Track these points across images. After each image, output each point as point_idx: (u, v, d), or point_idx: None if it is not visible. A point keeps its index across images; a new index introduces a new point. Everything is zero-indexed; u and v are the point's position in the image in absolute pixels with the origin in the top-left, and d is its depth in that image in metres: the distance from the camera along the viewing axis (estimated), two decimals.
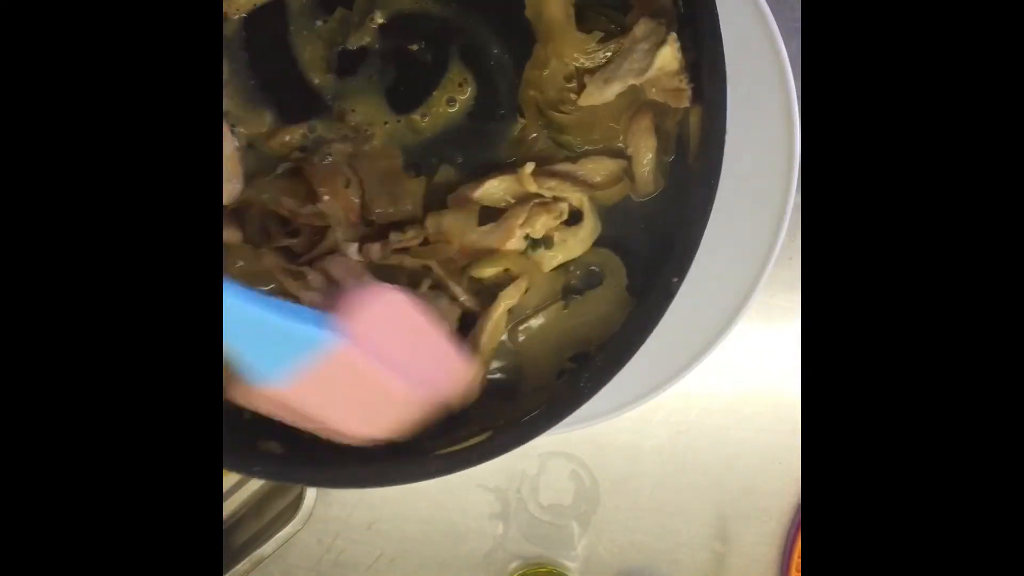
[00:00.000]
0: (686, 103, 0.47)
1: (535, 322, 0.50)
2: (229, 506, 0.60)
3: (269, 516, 0.61)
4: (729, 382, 0.62)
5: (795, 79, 0.52)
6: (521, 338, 0.50)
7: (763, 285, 0.53)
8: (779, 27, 0.51)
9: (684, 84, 0.47)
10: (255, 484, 0.61)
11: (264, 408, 0.39)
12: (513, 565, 0.63)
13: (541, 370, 0.50)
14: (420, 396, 0.42)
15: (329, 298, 0.42)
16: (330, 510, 0.62)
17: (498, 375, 0.50)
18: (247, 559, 0.58)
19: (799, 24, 0.56)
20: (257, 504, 0.61)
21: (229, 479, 0.60)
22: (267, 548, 0.58)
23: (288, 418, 0.40)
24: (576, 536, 0.63)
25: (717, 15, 0.44)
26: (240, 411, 0.49)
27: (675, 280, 0.44)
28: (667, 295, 0.44)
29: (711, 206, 0.44)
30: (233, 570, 0.58)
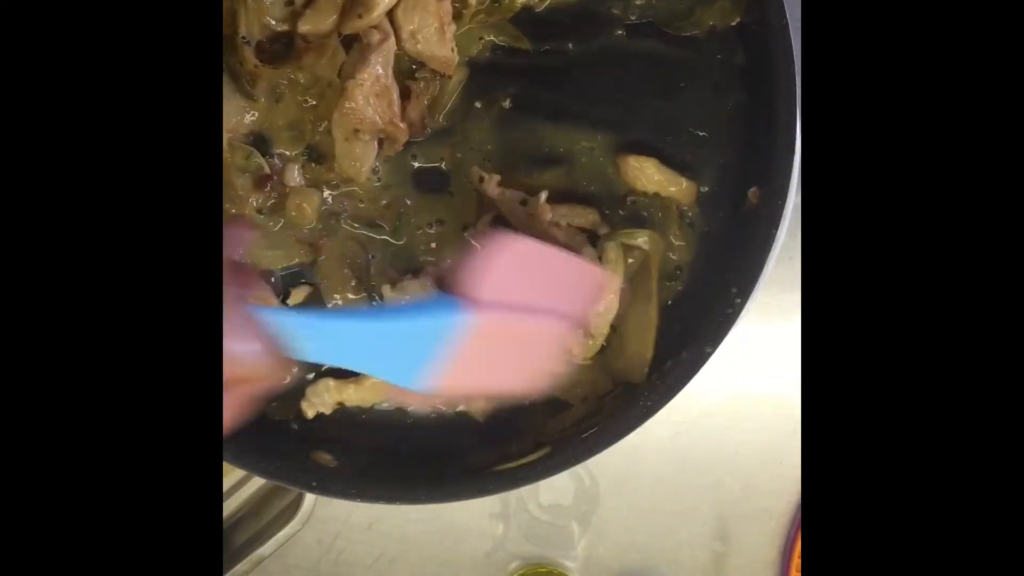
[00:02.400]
0: None
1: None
2: (229, 506, 0.60)
3: (269, 516, 0.61)
4: (729, 382, 0.62)
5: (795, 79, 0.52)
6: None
7: (763, 285, 0.53)
8: None
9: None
10: (255, 484, 0.61)
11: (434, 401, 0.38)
12: (513, 565, 0.63)
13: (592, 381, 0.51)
14: (570, 322, 0.41)
15: (447, 276, 0.42)
16: (330, 510, 0.62)
17: None
18: (247, 559, 0.58)
19: (799, 24, 0.56)
20: (257, 504, 0.61)
21: (229, 479, 0.60)
22: (267, 548, 0.58)
23: (461, 399, 0.39)
24: (576, 536, 0.63)
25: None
26: (287, 421, 0.48)
27: (734, 291, 0.45)
28: (729, 308, 0.44)
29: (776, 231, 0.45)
30: (233, 570, 0.58)
